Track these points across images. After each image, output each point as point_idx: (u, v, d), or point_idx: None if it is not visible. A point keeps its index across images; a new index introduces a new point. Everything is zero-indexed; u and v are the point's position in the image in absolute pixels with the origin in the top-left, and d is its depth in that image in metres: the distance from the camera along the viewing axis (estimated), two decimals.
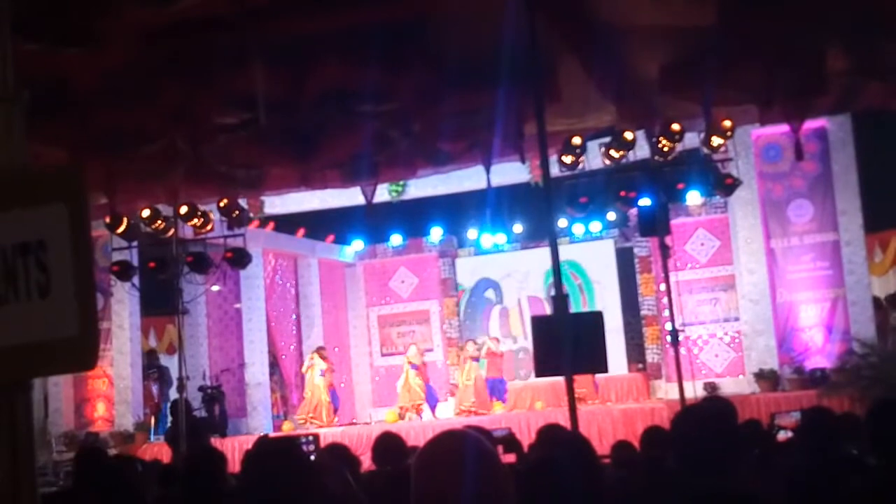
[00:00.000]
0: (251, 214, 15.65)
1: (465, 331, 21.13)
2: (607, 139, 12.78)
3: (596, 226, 18.87)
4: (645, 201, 12.27)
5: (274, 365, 20.08)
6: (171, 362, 18.12)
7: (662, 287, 16.74)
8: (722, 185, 13.27)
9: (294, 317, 21.24)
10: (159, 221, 13.38)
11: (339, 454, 5.03)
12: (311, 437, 10.46)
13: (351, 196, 15.68)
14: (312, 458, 9.05)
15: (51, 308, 2.02)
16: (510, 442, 7.33)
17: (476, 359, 18.48)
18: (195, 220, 13.50)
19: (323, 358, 18.93)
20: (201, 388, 17.38)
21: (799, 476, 4.76)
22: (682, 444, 3.53)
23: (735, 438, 3.73)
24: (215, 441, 14.46)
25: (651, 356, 19.01)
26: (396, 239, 20.17)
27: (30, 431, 2.05)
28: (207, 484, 4.78)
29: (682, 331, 16.31)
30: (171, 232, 13.44)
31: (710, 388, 16.36)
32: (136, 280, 14.18)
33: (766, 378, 16.16)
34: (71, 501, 5.07)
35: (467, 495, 2.26)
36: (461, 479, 2.29)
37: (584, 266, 20.11)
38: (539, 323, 9.04)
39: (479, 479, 2.28)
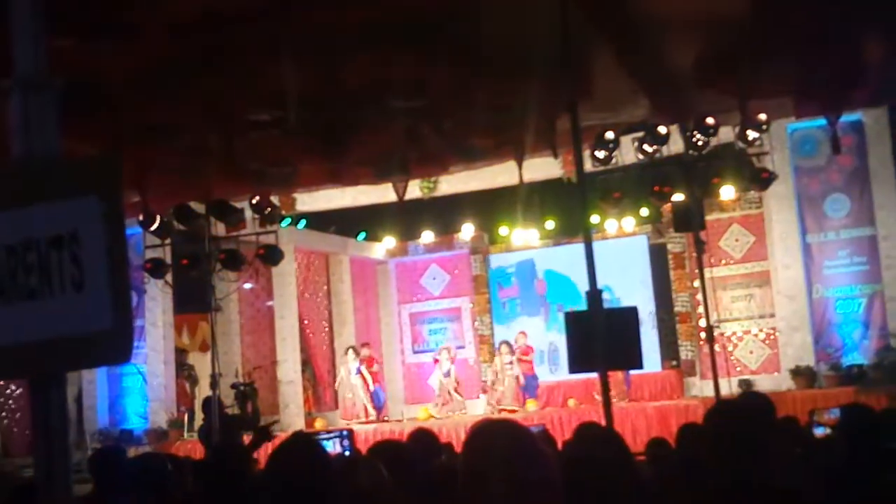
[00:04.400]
0: (283, 212, 15.67)
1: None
2: (641, 133, 12.67)
3: (629, 221, 18.77)
4: (679, 196, 12.16)
5: (306, 362, 20.12)
6: (203, 360, 18.19)
7: (696, 283, 16.58)
8: (757, 179, 13.13)
9: (326, 314, 21.29)
10: (192, 218, 13.43)
11: (384, 450, 4.97)
12: (345, 433, 10.44)
13: (382, 193, 15.67)
14: (346, 453, 9.05)
15: (85, 301, 2.01)
16: (544, 439, 7.27)
17: (511, 362, 18.46)
18: (227, 217, 13.53)
19: (358, 355, 18.98)
20: (234, 386, 17.42)
21: (840, 472, 4.69)
22: (717, 437, 3.48)
23: (771, 433, 3.66)
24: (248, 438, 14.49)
25: (685, 353, 18.84)
26: (428, 236, 20.14)
27: (64, 426, 2.04)
28: (231, 478, 4.78)
29: (717, 327, 16.15)
30: (204, 229, 13.48)
31: (746, 385, 16.21)
32: (169, 277, 14.23)
33: (802, 375, 16.00)
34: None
35: (502, 481, 2.27)
36: (494, 467, 2.29)
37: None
38: (572, 318, 8.96)
39: (516, 466, 2.28)
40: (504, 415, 17.20)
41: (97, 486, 5.20)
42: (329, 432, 12.13)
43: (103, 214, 2.02)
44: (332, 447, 9.54)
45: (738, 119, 11.92)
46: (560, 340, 19.53)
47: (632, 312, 8.58)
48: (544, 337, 20.00)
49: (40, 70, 2.06)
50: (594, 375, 9.76)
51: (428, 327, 22.05)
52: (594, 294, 7.70)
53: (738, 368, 17.60)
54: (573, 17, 7.37)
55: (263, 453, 8.04)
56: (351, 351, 19.15)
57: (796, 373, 16.09)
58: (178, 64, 8.29)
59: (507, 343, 18.93)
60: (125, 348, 2.02)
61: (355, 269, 21.79)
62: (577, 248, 7.73)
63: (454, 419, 17.45)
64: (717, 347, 13.38)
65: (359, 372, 18.75)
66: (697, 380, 18.42)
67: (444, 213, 19.03)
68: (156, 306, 18.19)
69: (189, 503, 5.44)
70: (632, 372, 16.91)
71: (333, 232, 20.66)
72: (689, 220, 11.90)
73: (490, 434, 2.40)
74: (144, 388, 18.43)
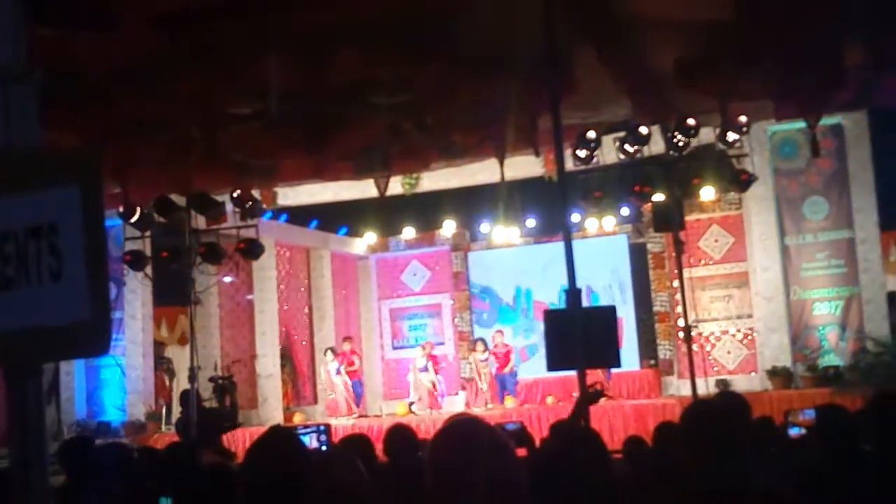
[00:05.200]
0: (264, 206, 15.62)
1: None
2: (622, 133, 12.71)
3: (609, 221, 18.83)
4: (659, 196, 12.20)
5: (285, 357, 20.08)
6: (182, 353, 18.13)
7: (675, 283, 16.65)
8: (737, 180, 13.19)
9: (306, 309, 21.25)
10: (172, 211, 13.36)
11: (354, 444, 5.01)
12: (322, 428, 10.42)
13: (364, 189, 15.66)
14: (324, 448, 9.04)
15: (63, 292, 2.00)
16: (522, 436, 7.29)
17: (486, 359, 18.52)
18: (208, 211, 13.47)
19: (336, 355, 18.99)
20: (212, 379, 17.39)
21: (814, 472, 4.73)
22: (693, 437, 3.49)
23: (747, 433, 3.69)
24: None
25: (663, 352, 18.93)
26: (409, 232, 20.14)
27: (40, 417, 2.04)
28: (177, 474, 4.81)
29: (695, 327, 16.24)
30: (185, 222, 13.42)
31: (723, 385, 16.30)
32: (148, 270, 14.17)
33: (779, 375, 16.11)
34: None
35: (478, 480, 2.26)
36: (472, 465, 2.28)
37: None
38: (551, 317, 9.00)
39: (489, 465, 2.28)
40: (490, 412, 17.24)
41: (68, 476, 5.22)
42: (306, 427, 12.10)
43: (83, 205, 2.01)
44: (310, 442, 9.51)
45: (718, 120, 11.97)
46: (524, 345, 19.83)
47: (610, 311, 8.62)
48: (512, 341, 20.03)
49: (20, 60, 2.05)
50: (573, 373, 9.79)
51: (408, 323, 22.05)
52: (573, 293, 7.74)
53: (716, 368, 17.69)
54: (557, 16, 7.39)
55: (242, 447, 8.02)
56: (329, 352, 19.15)
57: (773, 373, 16.20)
58: (162, 57, 8.26)
59: (482, 340, 18.98)
60: (103, 340, 2.01)
61: (336, 265, 21.76)
62: (557, 247, 7.77)
63: (433, 416, 17.45)
64: (694, 347, 13.46)
65: (339, 372, 18.75)
66: (675, 379, 18.50)
67: (426, 209, 19.03)
68: (135, 299, 18.12)
69: (155, 494, 5.43)
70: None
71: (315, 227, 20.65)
72: (669, 221, 11.96)
73: (464, 433, 2.39)
74: (122, 381, 18.36)
